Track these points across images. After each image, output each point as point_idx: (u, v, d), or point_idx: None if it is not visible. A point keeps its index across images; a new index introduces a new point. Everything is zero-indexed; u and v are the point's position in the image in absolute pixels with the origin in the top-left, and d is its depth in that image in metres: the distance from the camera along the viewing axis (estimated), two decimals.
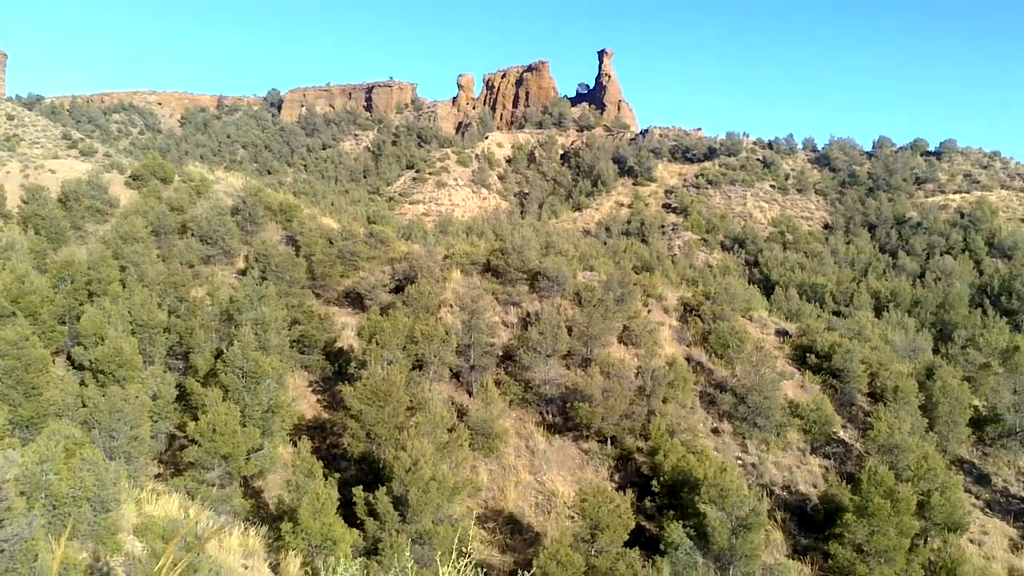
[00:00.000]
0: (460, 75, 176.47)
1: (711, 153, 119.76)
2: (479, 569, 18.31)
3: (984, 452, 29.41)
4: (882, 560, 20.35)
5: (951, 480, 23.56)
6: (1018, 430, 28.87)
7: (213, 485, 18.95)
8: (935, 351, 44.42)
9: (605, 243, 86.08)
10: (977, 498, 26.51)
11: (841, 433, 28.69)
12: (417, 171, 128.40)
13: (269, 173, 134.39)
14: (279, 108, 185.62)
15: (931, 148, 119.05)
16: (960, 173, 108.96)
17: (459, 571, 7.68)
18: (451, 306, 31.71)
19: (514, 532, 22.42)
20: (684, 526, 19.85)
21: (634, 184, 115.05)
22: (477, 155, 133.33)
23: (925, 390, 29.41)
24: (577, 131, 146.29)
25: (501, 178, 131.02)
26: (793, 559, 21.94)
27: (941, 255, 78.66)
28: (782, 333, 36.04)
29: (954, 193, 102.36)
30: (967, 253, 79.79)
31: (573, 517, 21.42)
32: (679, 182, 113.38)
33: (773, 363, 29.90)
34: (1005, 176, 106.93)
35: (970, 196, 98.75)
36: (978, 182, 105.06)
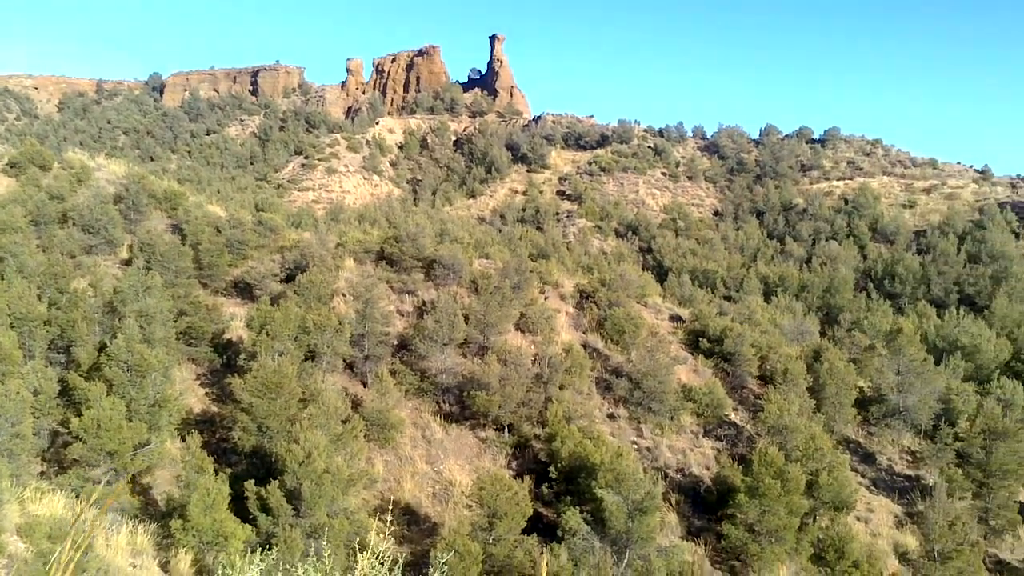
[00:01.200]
0: (349, 59, 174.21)
1: (604, 140, 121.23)
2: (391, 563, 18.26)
3: (869, 432, 30.61)
4: (773, 539, 21.02)
5: (838, 459, 24.47)
6: (901, 410, 30.14)
7: (99, 482, 18.36)
8: (822, 334, 45.96)
9: (500, 230, 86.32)
10: (863, 476, 27.58)
11: (733, 416, 29.48)
12: (306, 157, 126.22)
13: (152, 160, 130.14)
14: (161, 93, 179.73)
15: (816, 136, 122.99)
16: (844, 160, 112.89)
17: (380, 559, 7.65)
18: (344, 295, 31.37)
19: (411, 523, 22.37)
20: (581, 511, 20.13)
21: (528, 171, 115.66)
22: (368, 141, 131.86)
23: (813, 372, 30.42)
24: (469, 117, 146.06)
25: (393, 164, 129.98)
26: (687, 540, 22.47)
27: (827, 240, 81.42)
28: (676, 318, 36.80)
29: (838, 180, 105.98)
30: (851, 238, 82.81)
31: (471, 506, 21.46)
32: (573, 169, 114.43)
33: (667, 348, 30.51)
34: (887, 163, 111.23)
35: (853, 183, 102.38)
36: (861, 169, 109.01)
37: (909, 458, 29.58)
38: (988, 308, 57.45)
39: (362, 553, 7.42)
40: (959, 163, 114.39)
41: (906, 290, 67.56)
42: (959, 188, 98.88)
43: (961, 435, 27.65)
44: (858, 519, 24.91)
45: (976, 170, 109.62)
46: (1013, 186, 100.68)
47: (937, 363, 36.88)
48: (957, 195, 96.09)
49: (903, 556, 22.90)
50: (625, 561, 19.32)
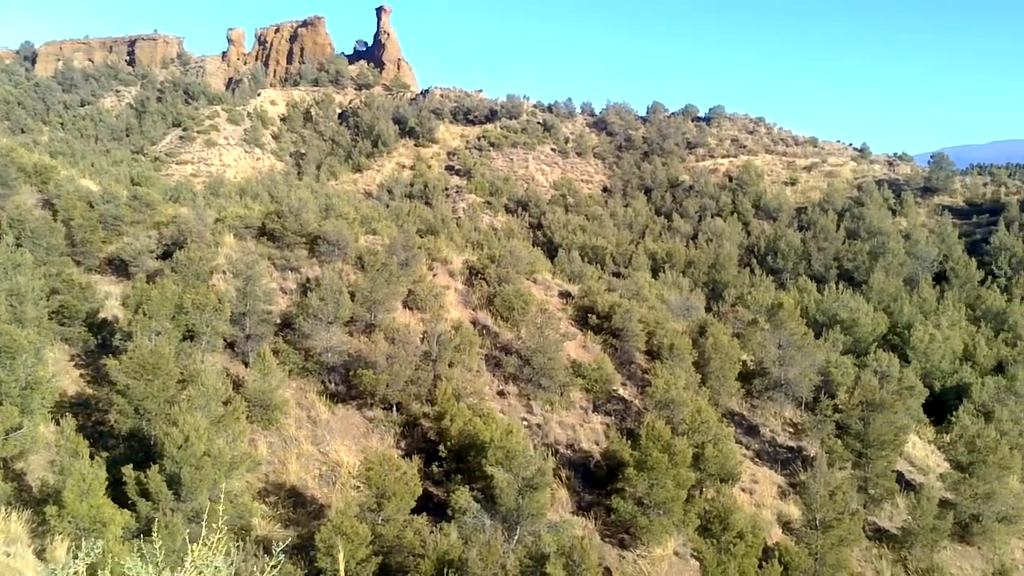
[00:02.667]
0: (230, 29, 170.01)
1: (492, 115, 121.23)
2: (252, 543, 17.90)
3: (752, 404, 31.48)
4: (661, 512, 21.44)
5: (723, 432, 25.12)
6: (783, 382, 31.05)
7: None
8: (708, 309, 47.03)
9: (387, 206, 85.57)
10: (747, 448, 28.35)
11: (621, 391, 29.91)
12: (184, 129, 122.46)
13: (23, 132, 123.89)
14: (33, 62, 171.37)
15: (701, 114, 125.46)
16: (728, 138, 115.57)
17: (210, 546, 7.41)
18: (224, 273, 30.57)
19: (297, 505, 22.03)
20: (472, 489, 20.14)
21: (416, 145, 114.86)
22: (249, 113, 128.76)
23: (698, 347, 31.06)
24: (356, 90, 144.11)
25: (275, 137, 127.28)
26: (578, 515, 22.74)
27: (712, 217, 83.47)
28: (565, 295, 37.09)
29: (723, 157, 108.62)
30: (736, 215, 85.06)
31: (359, 487, 21.25)
32: (462, 144, 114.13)
33: (557, 324, 30.69)
34: (769, 141, 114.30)
35: (738, 160, 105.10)
36: (745, 147, 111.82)
37: (791, 430, 30.55)
38: (866, 283, 59.73)
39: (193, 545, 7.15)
40: (839, 141, 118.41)
41: (788, 265, 69.72)
42: (839, 166, 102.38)
43: (840, 407, 28.66)
44: (743, 490, 25.61)
45: (855, 148, 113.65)
46: (890, 164, 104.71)
47: (817, 337, 38.17)
48: (837, 173, 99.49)
49: (786, 526, 23.70)
50: (516, 538, 19.43)
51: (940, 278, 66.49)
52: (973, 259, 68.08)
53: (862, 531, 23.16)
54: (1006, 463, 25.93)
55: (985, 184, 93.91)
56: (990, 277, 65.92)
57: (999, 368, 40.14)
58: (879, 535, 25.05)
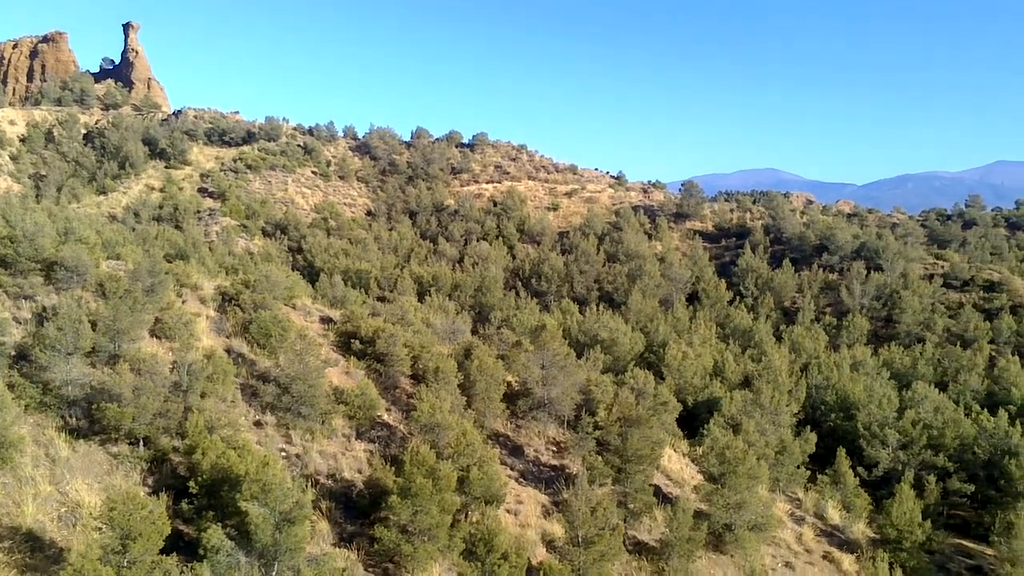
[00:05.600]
0: None
1: (250, 137, 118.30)
2: None
3: (517, 425, 32.05)
4: (426, 538, 21.36)
5: (488, 454, 25.38)
6: (546, 402, 31.84)
7: None
8: (474, 332, 47.68)
9: (134, 229, 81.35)
10: (512, 469, 28.79)
11: (386, 416, 29.69)
12: None
13: None
14: None
15: (465, 140, 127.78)
16: (492, 164, 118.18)
17: None
18: None
19: (35, 550, 20.38)
20: (225, 526, 19.32)
21: (167, 167, 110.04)
22: None
23: (464, 369, 31.35)
24: (102, 109, 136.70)
25: (13, 159, 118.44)
26: (340, 547, 22.27)
27: (478, 241, 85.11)
28: (327, 320, 36.54)
29: (487, 183, 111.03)
30: (501, 239, 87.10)
31: (101, 528, 19.91)
32: (216, 166, 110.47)
33: (318, 351, 30.12)
34: (531, 168, 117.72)
35: (502, 186, 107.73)
36: (508, 173, 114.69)
37: (555, 448, 31.31)
38: (625, 304, 62.60)
39: None
40: (597, 169, 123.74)
41: (552, 288, 72.07)
42: (597, 192, 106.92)
43: (600, 424, 29.62)
44: (508, 511, 25.93)
45: (612, 176, 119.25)
46: (645, 191, 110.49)
47: (579, 356, 39.41)
48: (596, 199, 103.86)
49: (550, 544, 24.16)
50: (274, 574, 18.80)
51: (693, 298, 70.80)
52: (722, 280, 73.05)
53: (622, 545, 23.99)
54: (754, 473, 27.60)
55: (732, 210, 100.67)
56: (738, 297, 70.93)
57: (746, 382, 42.84)
58: (639, 548, 26.00)
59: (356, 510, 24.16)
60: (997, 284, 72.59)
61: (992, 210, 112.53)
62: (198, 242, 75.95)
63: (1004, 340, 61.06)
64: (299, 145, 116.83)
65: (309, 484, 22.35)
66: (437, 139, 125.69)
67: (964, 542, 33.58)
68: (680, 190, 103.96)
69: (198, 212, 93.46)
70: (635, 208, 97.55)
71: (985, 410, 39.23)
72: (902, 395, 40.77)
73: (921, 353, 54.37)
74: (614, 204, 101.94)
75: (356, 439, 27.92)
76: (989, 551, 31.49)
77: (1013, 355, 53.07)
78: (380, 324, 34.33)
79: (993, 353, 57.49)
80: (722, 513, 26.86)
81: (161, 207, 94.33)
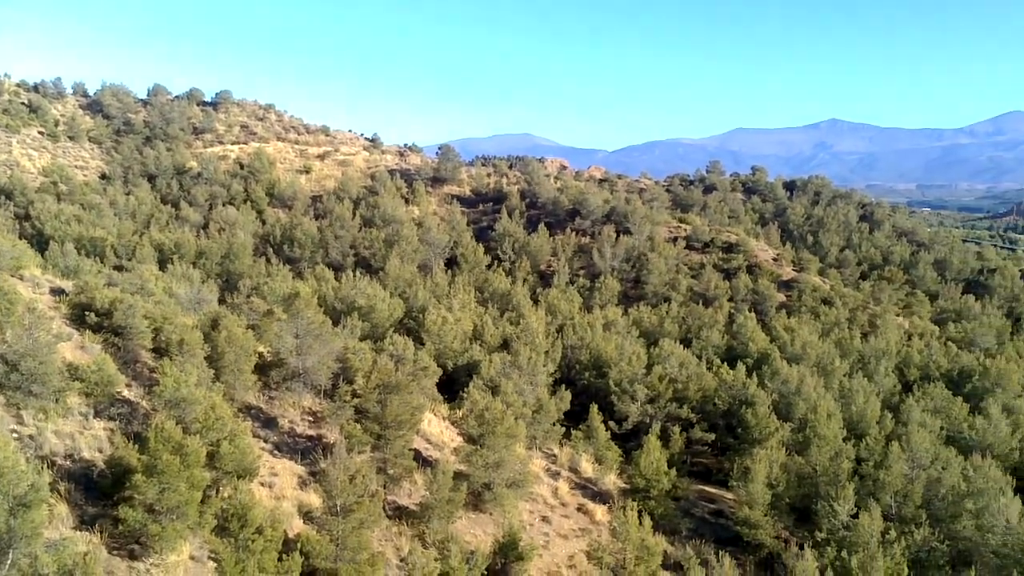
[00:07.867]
0: None
1: None
2: None
3: (270, 396, 31.51)
4: (175, 516, 20.71)
5: (240, 427, 24.85)
6: (301, 372, 31.47)
7: None
8: (221, 301, 46.29)
9: None
10: (266, 441, 28.32)
11: (126, 392, 28.43)
12: None
13: None
14: None
15: (207, 99, 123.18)
16: (237, 124, 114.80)
17: None
18: None
19: None
20: None
21: None
22: None
23: (211, 341, 30.45)
24: None
25: None
26: (81, 530, 21.21)
27: (224, 205, 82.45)
28: (58, 292, 34.46)
29: (233, 144, 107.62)
30: (249, 203, 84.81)
31: None
32: None
33: (49, 325, 28.37)
34: (280, 128, 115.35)
35: (248, 147, 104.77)
36: (255, 134, 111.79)
37: (311, 419, 31.06)
38: (383, 270, 62.66)
39: None
40: (351, 131, 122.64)
41: (305, 254, 71.09)
42: (352, 155, 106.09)
43: (359, 392, 29.64)
44: (263, 484, 25.55)
45: (367, 139, 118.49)
46: (401, 154, 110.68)
47: (336, 324, 39.18)
48: (350, 162, 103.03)
49: (308, 515, 24.05)
50: (9, 562, 17.69)
51: (451, 263, 71.91)
52: (480, 245, 74.58)
53: (382, 511, 24.23)
54: (512, 432, 28.56)
55: (489, 175, 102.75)
56: (496, 261, 72.60)
57: (504, 345, 44.08)
58: (399, 513, 26.33)
59: (98, 491, 23.07)
60: (735, 245, 78.49)
61: (730, 175, 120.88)
62: None
63: (741, 298, 66.38)
64: (23, 103, 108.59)
65: (45, 466, 21.12)
66: (177, 97, 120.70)
67: (707, 488, 36.25)
68: (437, 154, 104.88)
69: None
70: (391, 172, 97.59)
71: (725, 363, 42.33)
72: (650, 352, 43.32)
73: (667, 312, 58.17)
74: (369, 168, 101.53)
75: (95, 417, 26.58)
76: (729, 495, 34.14)
77: (750, 311, 57.83)
78: (117, 295, 32.69)
79: (732, 310, 62.33)
80: (481, 473, 27.64)
81: None
